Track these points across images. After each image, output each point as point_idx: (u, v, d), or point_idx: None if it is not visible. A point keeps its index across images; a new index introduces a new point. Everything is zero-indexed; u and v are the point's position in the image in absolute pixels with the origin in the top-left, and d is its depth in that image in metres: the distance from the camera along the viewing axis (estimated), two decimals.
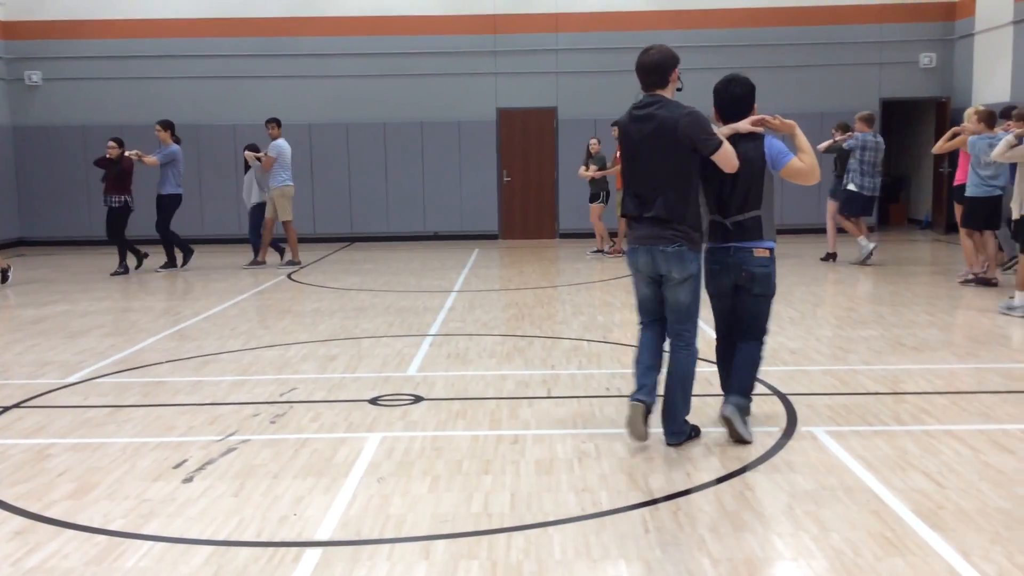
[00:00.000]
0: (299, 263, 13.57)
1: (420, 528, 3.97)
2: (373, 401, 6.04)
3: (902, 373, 6.57)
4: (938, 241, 15.51)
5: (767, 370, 6.54)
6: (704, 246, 5.03)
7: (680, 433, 4.97)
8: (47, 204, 17.17)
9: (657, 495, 4.28)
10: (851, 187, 11.92)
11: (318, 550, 3.76)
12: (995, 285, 10.07)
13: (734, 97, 5.07)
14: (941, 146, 10.89)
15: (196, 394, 6.32)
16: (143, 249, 13.29)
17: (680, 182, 4.76)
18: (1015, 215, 8.77)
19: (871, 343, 7.56)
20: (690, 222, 4.79)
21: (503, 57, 17.17)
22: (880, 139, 12.08)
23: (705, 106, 5.03)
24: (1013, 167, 9.18)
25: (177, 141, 13.17)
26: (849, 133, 12.15)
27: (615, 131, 13.47)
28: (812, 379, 6.40)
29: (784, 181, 5.19)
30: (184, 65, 17.15)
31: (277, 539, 3.88)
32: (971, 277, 10.38)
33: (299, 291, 11.19)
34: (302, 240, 17.16)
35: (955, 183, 10.82)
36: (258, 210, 13.52)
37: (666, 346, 5.07)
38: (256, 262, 13.51)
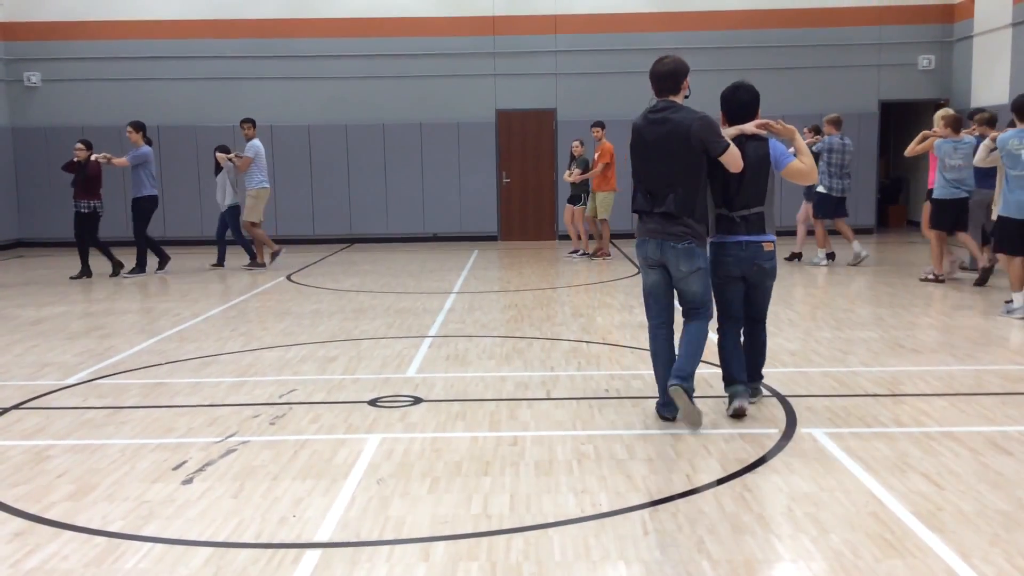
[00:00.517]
0: (263, 265, 13.40)
1: (419, 529, 3.97)
2: (372, 402, 6.04)
3: (901, 375, 6.57)
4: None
5: (767, 371, 6.54)
6: (710, 239, 5.43)
7: (687, 378, 5.20)
8: (46, 205, 17.15)
9: (656, 497, 4.28)
10: (820, 189, 12.21)
11: (317, 551, 3.76)
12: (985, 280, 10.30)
13: (741, 102, 5.47)
14: (912, 148, 11.12)
15: (195, 395, 6.32)
16: (118, 255, 12.85)
17: (690, 180, 5.15)
18: (994, 216, 8.95)
19: (870, 345, 7.56)
20: (697, 217, 5.18)
21: (502, 59, 17.18)
22: (848, 141, 12.34)
23: (703, 107, 5.32)
24: (989, 171, 9.56)
25: (148, 142, 12.83)
26: (818, 136, 12.44)
27: (596, 133, 13.68)
28: (811, 381, 6.40)
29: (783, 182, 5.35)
30: (183, 66, 17.16)
31: (276, 540, 3.88)
32: (932, 276, 10.68)
33: (298, 292, 11.19)
34: (301, 242, 17.22)
35: (929, 186, 11.04)
36: (232, 212, 13.33)
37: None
38: (255, 263, 13.49)
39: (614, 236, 14.81)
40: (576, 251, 14.26)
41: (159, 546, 3.84)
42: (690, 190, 5.13)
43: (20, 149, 17.20)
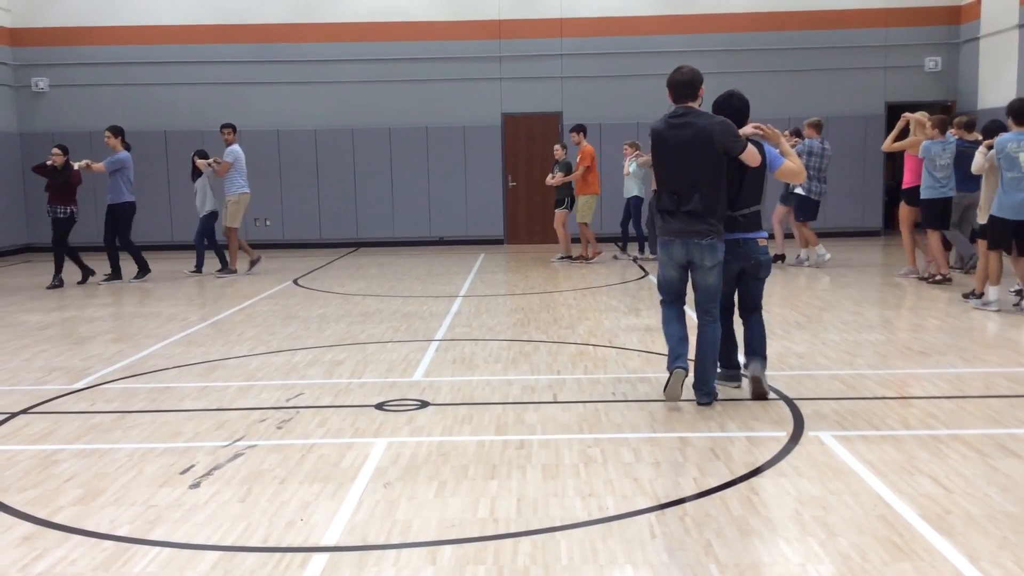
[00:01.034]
0: (235, 271, 13.25)
1: (426, 533, 3.96)
2: (379, 406, 6.04)
3: (909, 377, 6.55)
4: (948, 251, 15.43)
5: (774, 375, 6.55)
6: None
7: (711, 394, 5.78)
8: None
9: (664, 500, 4.28)
10: (799, 191, 12.47)
11: (324, 555, 3.76)
12: (950, 281, 10.76)
13: (735, 109, 5.88)
14: (889, 144, 11.47)
15: (203, 400, 6.33)
16: (92, 261, 12.78)
17: (714, 180, 5.60)
18: (982, 219, 9.38)
19: (878, 347, 7.54)
20: (719, 215, 5.63)
21: (508, 62, 17.20)
22: (827, 146, 12.60)
23: (703, 109, 5.74)
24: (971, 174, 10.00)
25: (127, 147, 12.69)
26: (796, 139, 12.65)
27: (575, 137, 13.71)
28: (819, 384, 6.39)
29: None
30: (190, 71, 17.22)
31: (284, 544, 3.88)
32: (912, 272, 11.24)
33: (305, 296, 11.21)
34: (308, 246, 17.26)
35: (904, 185, 11.45)
36: (210, 218, 13.19)
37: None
38: (227, 270, 13.22)
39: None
40: (566, 256, 14.22)
41: (167, 550, 3.84)
42: (714, 189, 5.58)
43: (28, 154, 17.23)
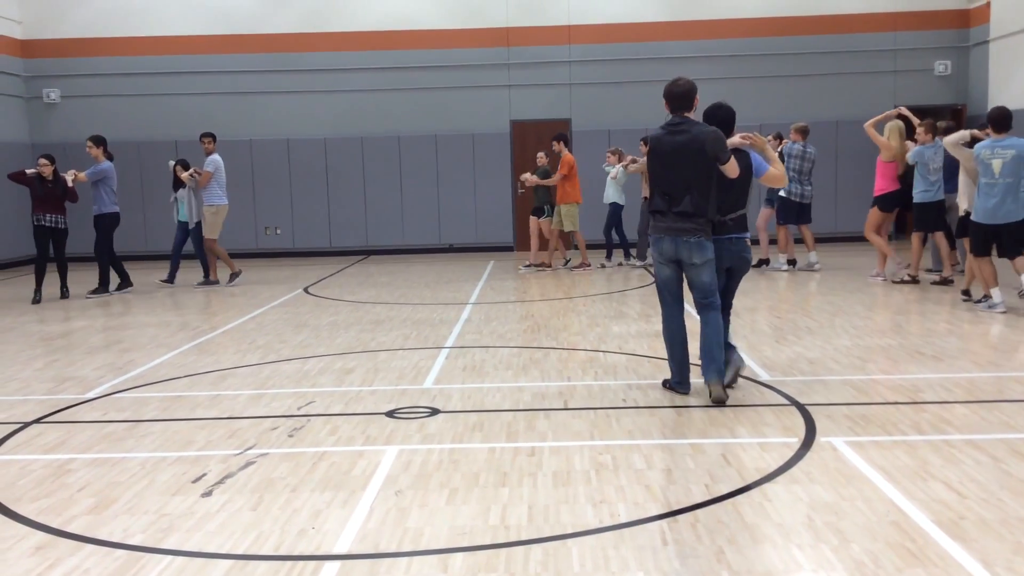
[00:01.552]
0: (217, 282, 13.27)
1: (438, 541, 3.96)
2: (390, 414, 6.05)
3: (921, 382, 6.53)
4: (954, 250, 15.36)
5: (785, 380, 6.53)
6: None
7: (722, 371, 6.05)
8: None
9: (675, 507, 4.27)
10: (781, 193, 12.67)
11: (336, 563, 3.77)
12: (953, 282, 10.90)
13: (721, 119, 6.28)
14: (871, 124, 11.74)
15: (214, 408, 6.35)
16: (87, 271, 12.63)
17: (704, 184, 5.97)
18: (961, 213, 9.72)
19: (889, 352, 7.52)
20: (709, 216, 6.00)
21: (516, 69, 17.23)
22: (810, 150, 12.74)
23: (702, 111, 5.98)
24: (953, 175, 10.50)
25: (110, 157, 12.44)
26: (777, 141, 12.88)
27: (556, 146, 13.71)
28: (830, 389, 6.37)
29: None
30: (200, 81, 17.30)
31: (295, 553, 3.89)
32: (907, 276, 11.34)
33: (316, 305, 11.24)
34: (318, 254, 17.30)
35: (875, 192, 11.70)
36: (198, 228, 13.13)
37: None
38: (208, 280, 13.26)
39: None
40: (532, 264, 14.12)
41: (179, 559, 3.85)
42: (703, 192, 5.97)
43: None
